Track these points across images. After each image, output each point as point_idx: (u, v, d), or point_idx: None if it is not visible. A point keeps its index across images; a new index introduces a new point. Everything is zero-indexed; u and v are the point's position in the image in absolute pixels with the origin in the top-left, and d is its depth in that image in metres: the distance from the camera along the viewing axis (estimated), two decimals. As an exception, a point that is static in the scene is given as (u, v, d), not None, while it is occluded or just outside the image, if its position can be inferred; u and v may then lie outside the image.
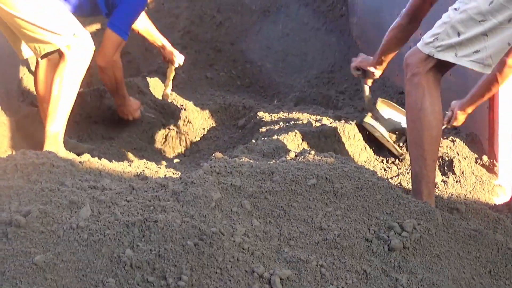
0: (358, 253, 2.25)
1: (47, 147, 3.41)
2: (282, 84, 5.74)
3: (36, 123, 4.02)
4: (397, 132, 3.71)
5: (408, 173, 3.52)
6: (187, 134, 4.65)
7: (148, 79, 5.06)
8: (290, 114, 4.42)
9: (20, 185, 2.40)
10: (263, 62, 5.98)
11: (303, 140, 3.70)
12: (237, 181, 2.50)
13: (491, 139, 3.54)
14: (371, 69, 3.48)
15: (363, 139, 3.81)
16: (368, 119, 3.76)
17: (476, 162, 3.55)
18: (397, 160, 3.70)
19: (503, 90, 3.37)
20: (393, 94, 4.72)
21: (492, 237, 2.55)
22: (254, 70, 5.92)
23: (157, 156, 4.25)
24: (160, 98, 4.89)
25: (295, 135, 3.70)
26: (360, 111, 4.82)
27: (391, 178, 3.54)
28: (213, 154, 3.04)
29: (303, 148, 3.58)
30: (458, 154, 3.55)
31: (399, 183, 3.46)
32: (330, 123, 4.00)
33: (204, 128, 4.79)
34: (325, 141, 3.73)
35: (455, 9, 2.71)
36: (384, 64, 3.40)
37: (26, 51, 3.70)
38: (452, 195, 3.28)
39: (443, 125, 3.44)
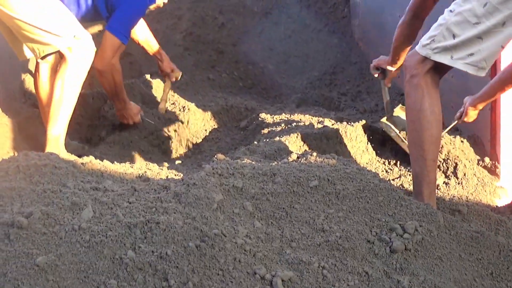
0: (360, 254, 2.25)
1: (49, 150, 3.40)
2: (284, 86, 5.75)
3: (38, 125, 4.02)
4: None
5: (409, 174, 3.52)
6: (189, 136, 4.65)
7: (150, 80, 5.06)
8: (292, 115, 4.42)
9: (22, 187, 2.40)
10: (265, 64, 5.98)
11: (305, 142, 3.70)
12: (239, 183, 2.50)
13: (493, 141, 3.53)
14: (388, 67, 3.50)
15: (365, 141, 3.81)
16: (385, 120, 3.78)
17: (478, 164, 3.54)
18: (399, 162, 3.70)
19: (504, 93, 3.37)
20: (394, 95, 4.71)
21: (494, 239, 2.55)
22: (256, 71, 5.92)
23: (159, 157, 4.25)
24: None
25: (297, 137, 3.70)
26: (362, 112, 4.83)
27: (393, 179, 3.54)
28: (215, 156, 3.04)
29: (305, 150, 3.58)
30: (459, 156, 3.54)
31: (401, 184, 3.46)
32: (332, 124, 4.00)
33: (206, 130, 4.79)
34: (327, 142, 3.73)
35: (451, 11, 2.73)
36: (399, 62, 3.41)
37: (27, 53, 3.69)
38: (454, 197, 3.28)
39: (455, 120, 3.46)
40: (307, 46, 6.07)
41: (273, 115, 4.48)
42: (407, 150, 3.67)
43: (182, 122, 4.70)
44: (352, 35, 5.93)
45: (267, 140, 3.73)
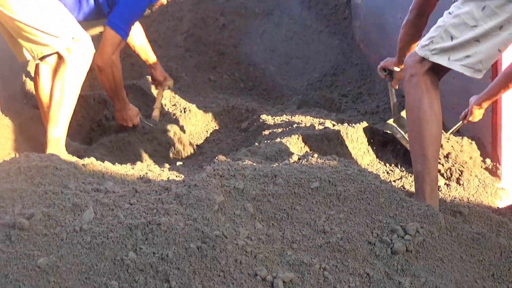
0: (361, 256, 2.25)
1: (49, 152, 3.39)
2: (285, 87, 5.75)
3: (39, 126, 4.02)
4: None
5: (411, 176, 3.51)
6: (190, 137, 4.65)
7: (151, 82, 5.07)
8: (293, 117, 4.42)
9: (23, 188, 2.40)
10: (266, 65, 5.98)
11: (306, 143, 3.70)
12: (240, 184, 2.50)
13: (494, 142, 3.53)
14: (395, 68, 3.50)
15: (366, 142, 3.81)
16: (391, 121, 3.78)
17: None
18: (400, 163, 3.70)
19: (506, 94, 3.37)
20: (399, 98, 4.71)
21: (495, 241, 2.55)
22: (257, 73, 5.92)
23: (160, 159, 4.25)
24: (163, 99, 4.90)
25: (298, 138, 3.70)
26: (363, 114, 4.83)
27: (394, 181, 3.54)
28: (216, 157, 3.04)
29: (306, 151, 3.58)
30: (460, 157, 3.54)
31: (402, 186, 3.46)
32: (333, 126, 4.00)
33: (207, 131, 4.79)
34: (328, 144, 3.74)
35: (449, 13, 2.75)
36: None
37: (26, 54, 3.69)
38: (455, 198, 3.28)
39: (460, 120, 3.46)
40: (308, 47, 6.07)
41: (274, 117, 4.49)
42: None
43: (183, 124, 4.70)
44: (353, 37, 5.93)
45: (268, 141, 3.73)
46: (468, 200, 3.30)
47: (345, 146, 3.75)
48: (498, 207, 3.30)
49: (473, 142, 3.61)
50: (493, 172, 3.52)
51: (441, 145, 3.39)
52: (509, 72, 3.11)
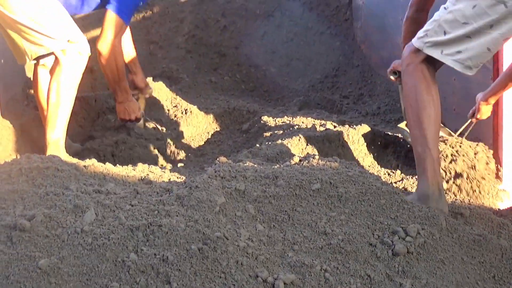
0: (362, 257, 2.25)
1: (50, 154, 3.39)
2: (286, 88, 5.75)
3: (40, 127, 4.01)
4: None
5: (412, 177, 3.51)
6: (191, 138, 4.65)
7: (153, 83, 5.07)
8: (294, 118, 4.42)
9: (24, 189, 2.40)
10: (267, 66, 5.98)
11: (307, 145, 3.70)
12: (241, 186, 2.51)
13: (495, 143, 3.53)
14: None
15: (367, 144, 3.81)
16: (403, 125, 3.77)
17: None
18: (401, 164, 3.70)
19: (507, 95, 3.37)
20: (397, 99, 4.71)
21: (496, 242, 2.55)
22: (259, 74, 5.92)
23: (161, 160, 4.25)
24: (164, 101, 4.90)
25: (299, 140, 3.70)
26: (364, 115, 4.83)
27: (395, 182, 3.54)
28: (218, 159, 3.05)
29: (307, 153, 3.58)
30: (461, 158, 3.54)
31: (403, 187, 3.46)
32: (334, 127, 4.00)
33: (208, 132, 4.79)
34: (329, 145, 3.74)
35: (445, 8, 2.79)
36: None
37: (26, 56, 3.68)
38: (456, 199, 3.28)
39: (468, 119, 3.46)
40: (309, 48, 6.07)
41: (275, 118, 4.48)
42: None
43: (184, 125, 4.70)
44: (354, 38, 5.93)
45: (269, 143, 3.73)
46: (469, 201, 3.29)
47: (346, 147, 3.75)
48: (499, 209, 3.29)
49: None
50: (495, 173, 3.51)
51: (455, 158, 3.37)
52: None
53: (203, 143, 4.66)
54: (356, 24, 5.90)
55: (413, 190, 3.23)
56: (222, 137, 4.70)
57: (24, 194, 2.37)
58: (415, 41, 2.86)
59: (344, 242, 2.28)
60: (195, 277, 1.99)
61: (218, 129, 4.84)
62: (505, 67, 3.27)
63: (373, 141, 3.84)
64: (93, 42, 4.01)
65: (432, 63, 2.86)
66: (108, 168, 2.90)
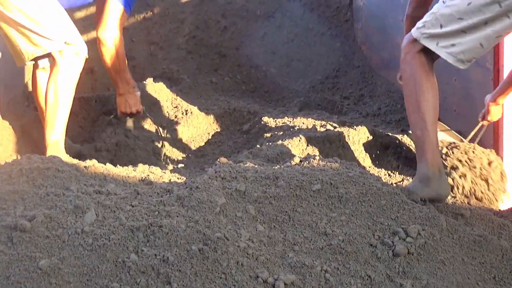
0: (362, 258, 2.25)
1: (49, 154, 3.39)
2: (286, 89, 5.74)
3: (41, 128, 4.01)
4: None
5: (412, 178, 3.50)
6: (192, 139, 4.65)
7: (153, 84, 5.07)
8: (294, 119, 4.42)
9: (25, 190, 2.40)
10: (268, 67, 5.98)
11: (307, 145, 3.70)
12: (241, 186, 2.51)
13: (495, 144, 3.53)
14: None
15: (368, 145, 3.81)
16: None
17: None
18: (401, 165, 3.70)
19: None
20: (398, 99, 4.72)
21: (497, 243, 2.55)
22: (259, 75, 5.92)
23: (162, 161, 4.25)
24: (165, 102, 4.90)
25: (299, 140, 3.70)
26: (365, 116, 4.83)
27: (396, 183, 3.53)
28: (218, 159, 3.05)
29: (308, 153, 3.57)
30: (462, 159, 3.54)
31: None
32: (335, 128, 4.00)
33: (208, 133, 4.79)
34: (329, 146, 3.74)
35: (443, 1, 2.82)
36: None
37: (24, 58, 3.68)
38: (456, 200, 3.28)
39: (479, 122, 3.45)
40: (310, 49, 6.06)
41: (275, 119, 4.48)
42: None
43: (185, 126, 4.70)
44: (354, 39, 5.93)
45: (270, 143, 3.73)
46: (469, 202, 3.29)
47: (346, 148, 3.75)
48: (499, 210, 3.29)
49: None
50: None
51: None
52: None
53: (203, 143, 4.66)
54: (357, 25, 5.90)
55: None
56: (222, 138, 4.70)
57: (25, 194, 2.37)
58: (414, 31, 2.90)
59: (344, 242, 2.28)
60: (195, 277, 1.99)
61: (218, 130, 4.84)
62: (505, 67, 3.27)
63: (373, 142, 3.84)
64: (93, 42, 4.01)
65: (429, 54, 2.90)
66: (109, 168, 2.90)
